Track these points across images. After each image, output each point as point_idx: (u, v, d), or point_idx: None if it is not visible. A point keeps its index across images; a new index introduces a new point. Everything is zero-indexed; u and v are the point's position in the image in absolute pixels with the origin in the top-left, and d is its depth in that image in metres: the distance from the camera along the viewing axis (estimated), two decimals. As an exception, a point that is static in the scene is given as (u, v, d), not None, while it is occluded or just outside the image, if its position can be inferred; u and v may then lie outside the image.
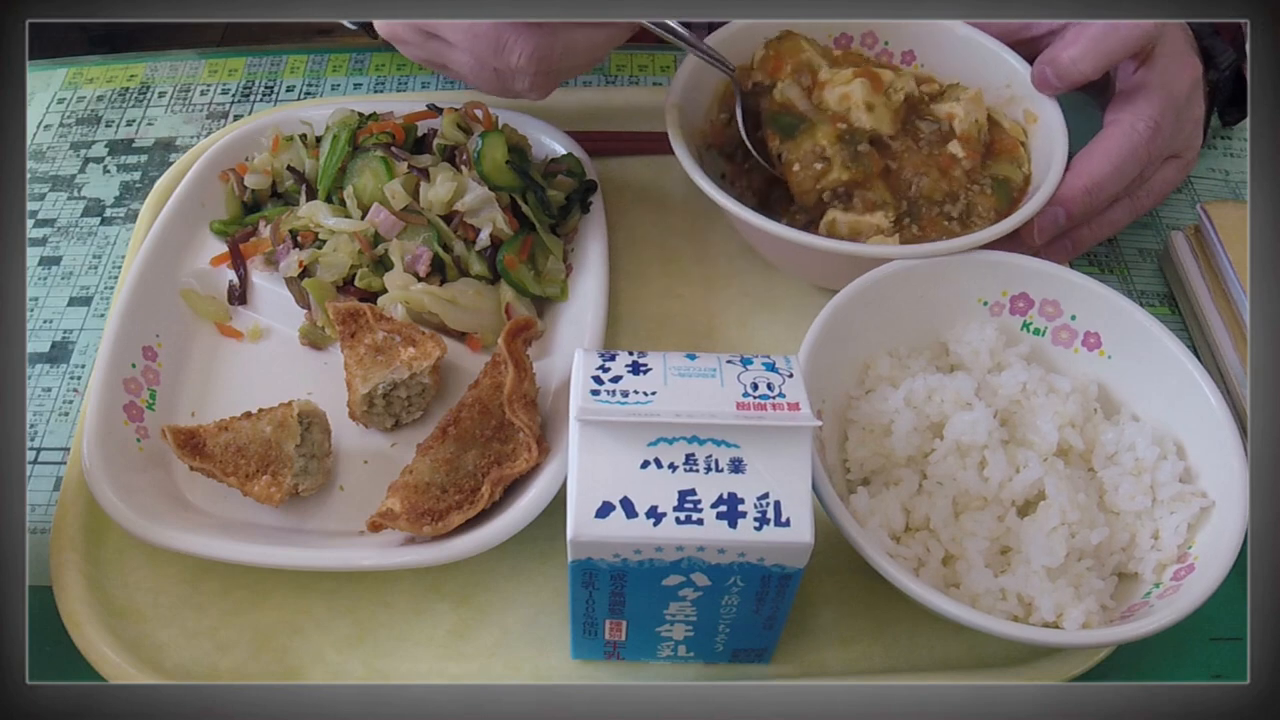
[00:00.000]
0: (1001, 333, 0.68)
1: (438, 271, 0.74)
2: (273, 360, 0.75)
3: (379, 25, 0.71)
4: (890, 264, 0.67)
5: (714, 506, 0.49)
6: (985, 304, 0.70)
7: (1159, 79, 0.73)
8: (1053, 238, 0.73)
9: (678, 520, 0.48)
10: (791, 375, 0.52)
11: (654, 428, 0.49)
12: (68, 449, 0.72)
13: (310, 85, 0.99)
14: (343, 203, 0.76)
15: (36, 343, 0.79)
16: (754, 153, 0.78)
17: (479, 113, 0.81)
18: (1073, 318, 0.69)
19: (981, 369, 0.68)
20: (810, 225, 0.75)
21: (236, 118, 0.96)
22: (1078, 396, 0.65)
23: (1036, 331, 0.70)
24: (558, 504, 0.58)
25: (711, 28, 0.83)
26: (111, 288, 0.82)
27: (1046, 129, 0.77)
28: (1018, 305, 0.69)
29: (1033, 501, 0.62)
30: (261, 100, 0.98)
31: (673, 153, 0.74)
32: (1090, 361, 0.69)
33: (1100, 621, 0.57)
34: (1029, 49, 0.79)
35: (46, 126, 0.95)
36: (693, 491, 0.49)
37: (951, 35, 0.83)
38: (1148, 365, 0.65)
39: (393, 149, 0.77)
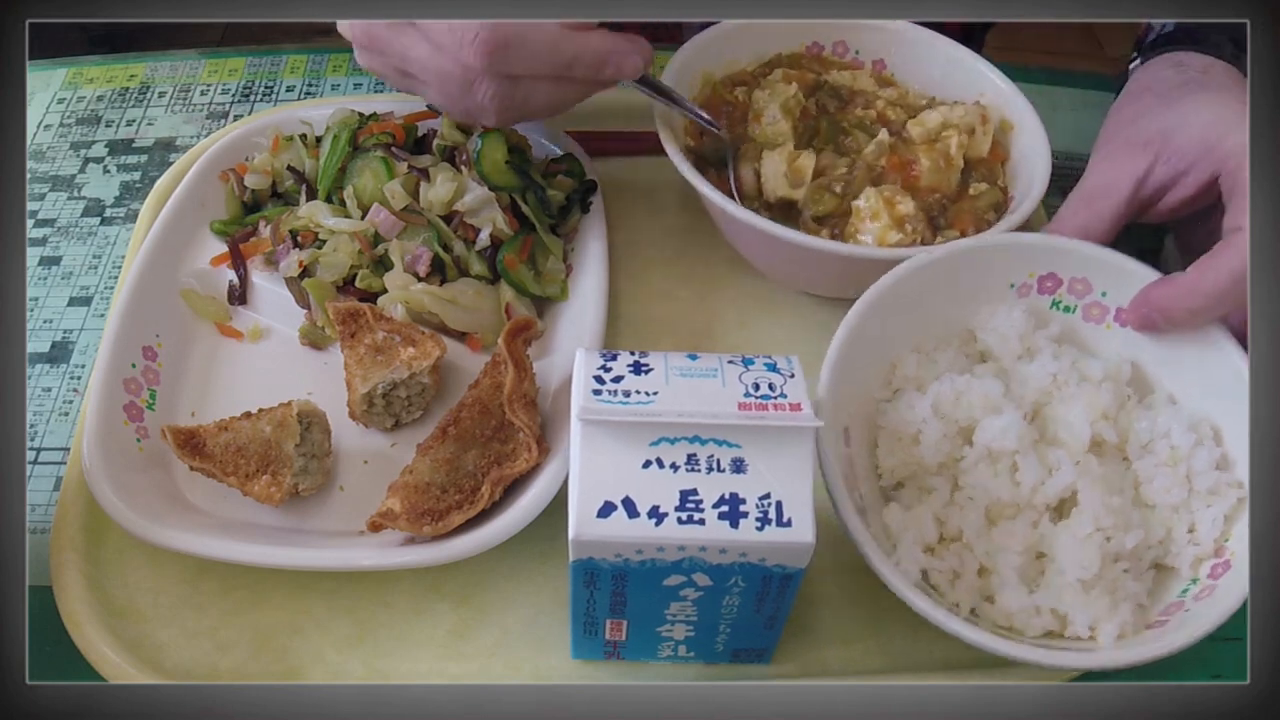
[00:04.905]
0: (1030, 314, 0.66)
1: (438, 271, 0.74)
2: (273, 360, 0.75)
3: (342, 25, 0.69)
4: (913, 259, 0.65)
5: (715, 506, 0.49)
6: (1013, 286, 0.68)
7: None
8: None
9: (679, 520, 0.48)
10: (793, 375, 0.52)
11: (656, 427, 0.49)
12: (68, 449, 0.72)
13: (310, 85, 0.99)
14: (343, 203, 0.76)
15: (36, 343, 0.79)
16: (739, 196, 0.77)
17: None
18: (1103, 294, 0.67)
19: (1011, 355, 0.66)
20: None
21: (236, 118, 0.96)
22: (1110, 385, 0.63)
23: (1066, 309, 0.68)
24: (558, 504, 0.58)
25: (705, 29, 0.83)
26: (111, 288, 0.82)
27: (1027, 136, 0.77)
28: (1046, 285, 0.67)
29: (1067, 501, 0.61)
30: (261, 100, 0.98)
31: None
32: (1123, 338, 0.67)
33: (1136, 627, 0.57)
34: (1142, 205, 0.69)
35: (46, 126, 0.95)
36: (694, 491, 0.49)
37: (921, 43, 0.83)
38: (1182, 340, 0.64)
39: (393, 149, 0.77)
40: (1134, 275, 0.65)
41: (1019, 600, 0.58)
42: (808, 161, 0.76)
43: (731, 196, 0.76)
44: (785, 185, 0.75)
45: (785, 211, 0.76)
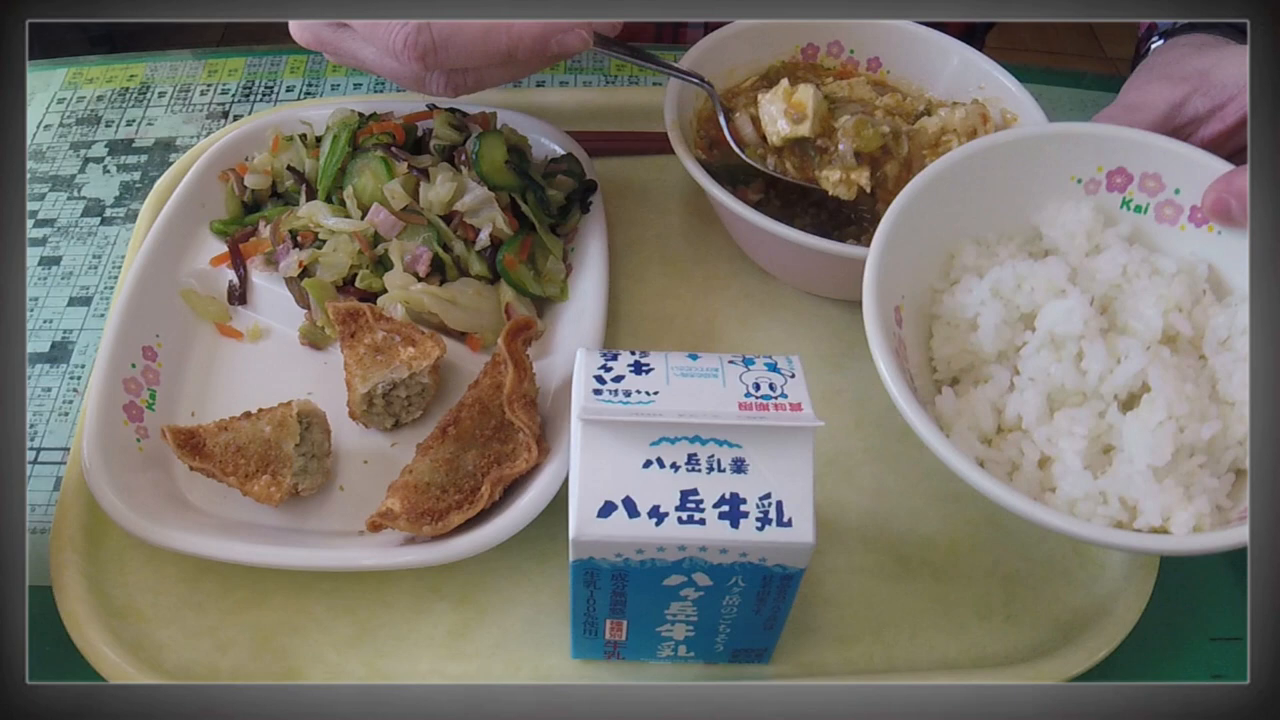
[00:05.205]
0: (1099, 212, 0.63)
1: (438, 271, 0.74)
2: (273, 360, 0.75)
3: (295, 31, 0.69)
4: (973, 144, 0.62)
5: (716, 506, 0.49)
6: (1079, 181, 0.64)
7: None
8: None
9: (680, 520, 0.48)
10: (794, 375, 0.52)
11: (656, 427, 0.49)
12: (68, 449, 0.72)
13: (310, 85, 0.99)
14: (343, 203, 0.76)
15: (36, 343, 0.79)
16: (749, 161, 0.76)
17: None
18: (1176, 192, 0.63)
19: (1077, 252, 0.62)
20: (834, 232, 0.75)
21: (236, 118, 0.96)
22: (1184, 278, 0.60)
23: (1137, 209, 0.64)
24: (558, 504, 0.58)
25: (708, 29, 0.83)
26: (111, 288, 0.82)
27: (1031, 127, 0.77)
28: (1115, 181, 0.64)
29: (1137, 394, 0.57)
30: (261, 100, 0.98)
31: (673, 152, 0.74)
32: (1199, 239, 0.62)
33: (1214, 524, 0.53)
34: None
35: (46, 126, 0.95)
36: (695, 491, 0.49)
37: (917, 40, 0.83)
38: None
39: (393, 149, 0.77)
40: (1211, 171, 0.61)
41: (1083, 486, 0.54)
42: (806, 94, 0.73)
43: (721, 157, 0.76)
44: (789, 122, 0.74)
45: (800, 153, 0.75)
